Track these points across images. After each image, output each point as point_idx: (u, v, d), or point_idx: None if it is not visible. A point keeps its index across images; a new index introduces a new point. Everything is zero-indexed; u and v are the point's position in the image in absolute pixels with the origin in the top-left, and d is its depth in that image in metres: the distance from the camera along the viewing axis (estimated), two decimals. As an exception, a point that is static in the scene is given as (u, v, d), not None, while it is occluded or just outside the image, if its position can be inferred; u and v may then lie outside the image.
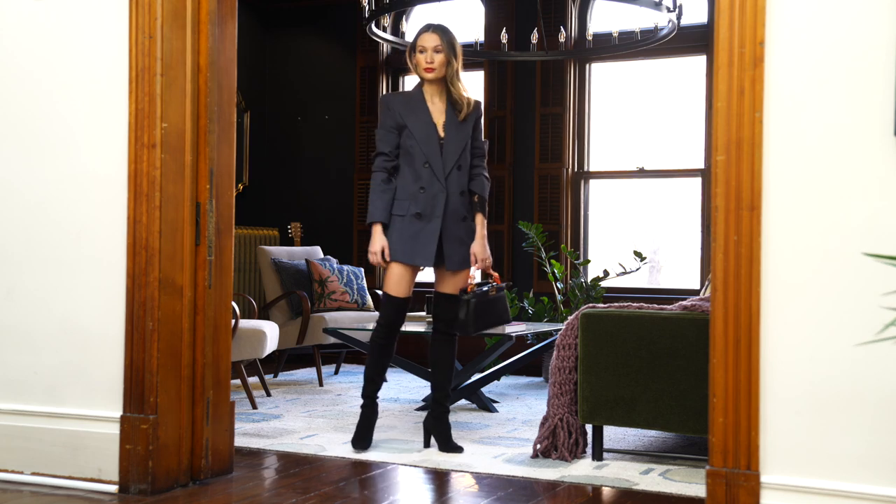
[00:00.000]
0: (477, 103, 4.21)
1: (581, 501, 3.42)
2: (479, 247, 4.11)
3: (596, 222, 7.52)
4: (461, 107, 4.11)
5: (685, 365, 3.79)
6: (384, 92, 8.01)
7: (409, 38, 6.48)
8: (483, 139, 4.23)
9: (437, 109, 4.13)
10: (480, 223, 4.13)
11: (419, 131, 4.07)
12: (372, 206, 4.08)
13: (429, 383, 5.68)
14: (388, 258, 4.04)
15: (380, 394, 5.95)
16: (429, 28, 4.13)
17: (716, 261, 2.80)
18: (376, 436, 4.50)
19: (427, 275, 6.45)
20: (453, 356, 4.28)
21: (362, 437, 4.23)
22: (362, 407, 4.30)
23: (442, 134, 4.10)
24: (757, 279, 2.75)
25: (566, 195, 7.33)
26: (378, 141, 4.13)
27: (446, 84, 4.11)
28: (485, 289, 4.10)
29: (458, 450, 4.15)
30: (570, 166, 7.36)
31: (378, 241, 4.05)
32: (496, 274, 4.18)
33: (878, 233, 2.63)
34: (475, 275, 4.17)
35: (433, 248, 4.04)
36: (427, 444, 4.25)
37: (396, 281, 4.07)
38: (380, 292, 7.06)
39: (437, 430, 4.22)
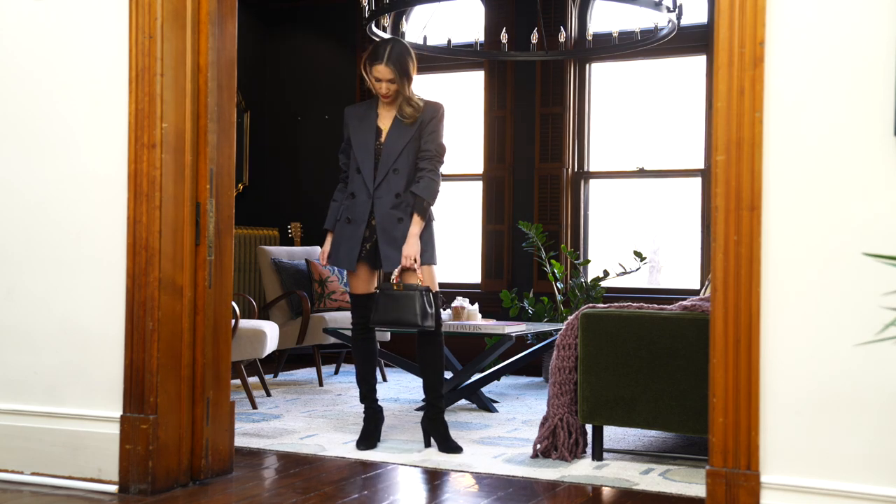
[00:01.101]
0: (431, 106, 4.23)
1: (581, 501, 3.42)
2: (407, 245, 4.13)
3: (596, 222, 7.51)
4: (410, 114, 4.18)
5: (685, 365, 3.79)
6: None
7: (409, 38, 6.48)
8: (439, 142, 4.22)
9: (387, 114, 4.26)
10: (415, 223, 4.15)
11: (357, 139, 4.26)
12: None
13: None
14: (325, 260, 4.35)
15: (379, 394, 5.97)
16: (381, 58, 4.15)
17: (716, 261, 2.80)
18: (376, 436, 4.51)
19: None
20: (439, 356, 4.27)
21: (366, 438, 4.28)
22: (364, 412, 4.37)
23: (383, 139, 4.22)
24: (757, 279, 2.75)
25: (566, 195, 7.33)
26: (339, 153, 4.43)
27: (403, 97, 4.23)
28: (392, 284, 4.13)
29: (458, 449, 4.15)
30: (570, 166, 7.36)
31: (323, 247, 4.39)
32: (421, 276, 4.15)
33: (878, 233, 2.63)
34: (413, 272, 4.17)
35: (356, 253, 4.22)
36: (427, 444, 4.26)
37: (351, 282, 4.34)
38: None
39: (435, 431, 4.23)
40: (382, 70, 4.16)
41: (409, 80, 4.20)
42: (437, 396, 4.25)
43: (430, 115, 4.21)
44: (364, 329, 4.34)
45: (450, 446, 4.17)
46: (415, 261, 4.12)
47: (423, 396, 5.61)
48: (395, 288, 4.12)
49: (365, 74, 4.25)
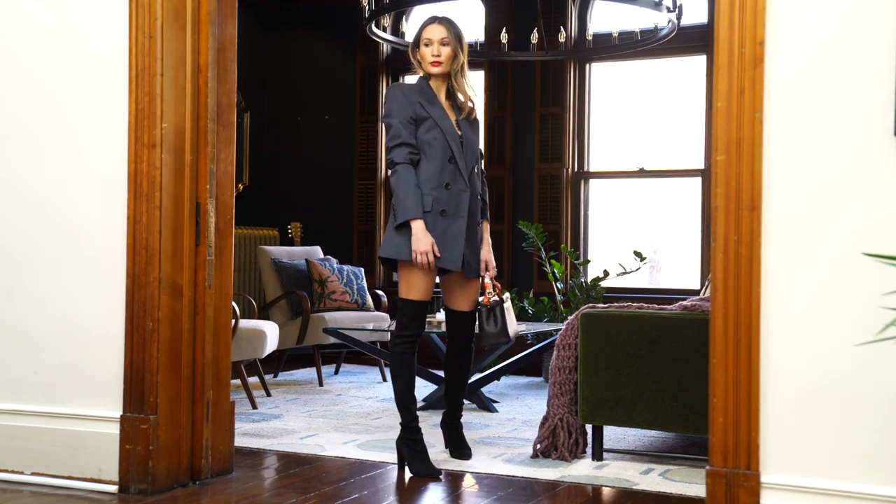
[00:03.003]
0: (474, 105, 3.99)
1: (581, 501, 3.42)
2: (490, 254, 3.95)
3: (596, 222, 7.52)
4: (464, 105, 3.90)
5: (685, 365, 3.79)
6: (385, 92, 8.00)
7: (410, 38, 6.47)
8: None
9: (447, 106, 3.89)
10: (486, 229, 3.97)
11: (444, 125, 3.77)
12: (407, 200, 3.65)
13: (429, 383, 5.70)
14: (438, 255, 3.67)
15: (377, 395, 5.97)
16: (434, 20, 3.87)
17: (716, 261, 2.80)
18: (376, 435, 4.51)
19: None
20: (469, 367, 4.10)
21: (427, 461, 3.79)
22: (415, 435, 3.80)
23: (459, 132, 3.84)
24: (757, 279, 2.75)
25: (566, 195, 7.33)
26: (396, 131, 3.72)
27: (450, 80, 3.89)
28: (500, 300, 3.95)
29: (467, 456, 4.05)
30: (570, 166, 7.36)
31: (425, 238, 3.64)
32: (499, 285, 4.01)
33: (878, 232, 2.63)
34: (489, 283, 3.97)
35: (460, 249, 3.73)
36: (447, 445, 4.15)
37: (419, 284, 3.74)
38: (380, 292, 7.09)
39: (449, 433, 4.13)
40: (436, 29, 3.82)
41: (464, 50, 3.89)
42: (457, 405, 4.13)
43: (476, 114, 3.94)
44: (414, 342, 3.82)
45: (460, 452, 4.06)
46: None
47: (422, 396, 5.62)
48: (508, 302, 3.93)
49: (412, 57, 3.91)
